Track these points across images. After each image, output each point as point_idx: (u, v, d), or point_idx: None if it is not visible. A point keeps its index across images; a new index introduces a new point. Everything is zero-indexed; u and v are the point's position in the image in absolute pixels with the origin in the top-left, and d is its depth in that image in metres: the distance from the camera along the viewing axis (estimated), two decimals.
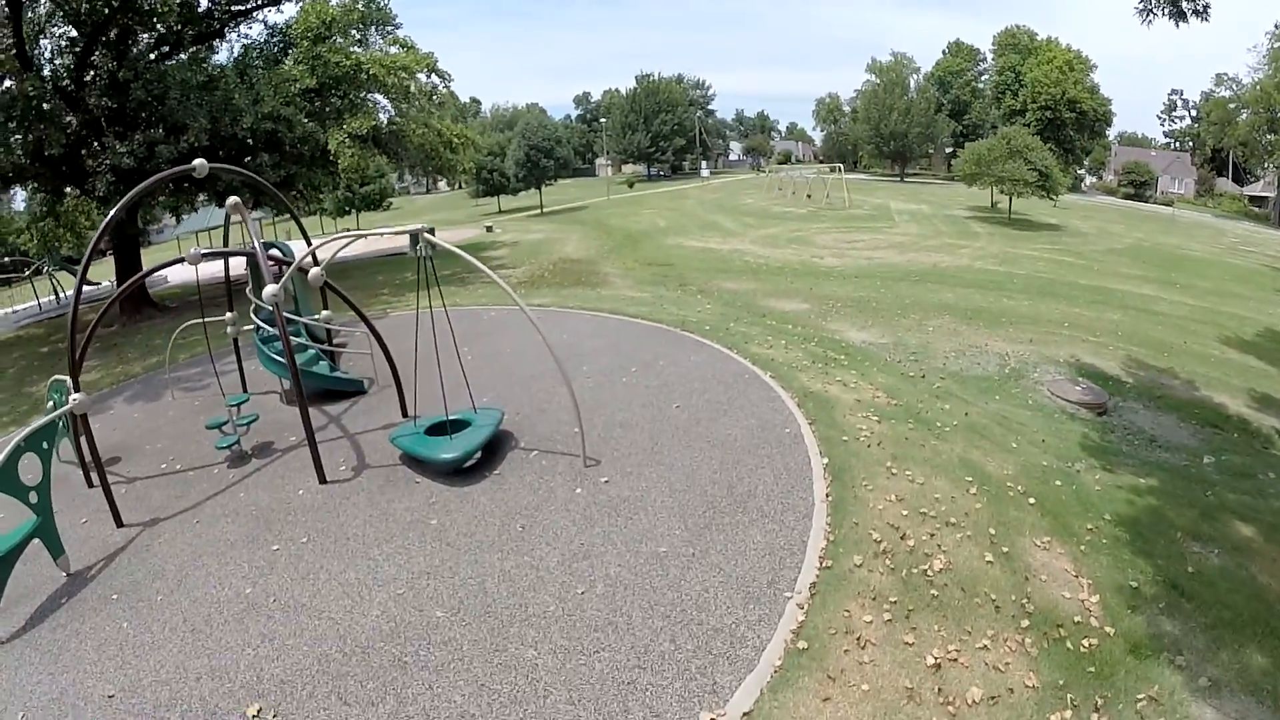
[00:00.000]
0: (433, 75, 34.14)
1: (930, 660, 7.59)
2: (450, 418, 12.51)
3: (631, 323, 19.74)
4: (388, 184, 79.34)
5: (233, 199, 13.45)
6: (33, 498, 10.44)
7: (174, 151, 25.82)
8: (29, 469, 10.49)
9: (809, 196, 66.59)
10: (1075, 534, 10.10)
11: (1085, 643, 7.96)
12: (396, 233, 11.73)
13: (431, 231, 11.15)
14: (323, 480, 12.18)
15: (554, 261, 34.01)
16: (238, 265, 17.78)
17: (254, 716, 7.49)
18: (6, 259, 46.97)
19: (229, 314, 16.89)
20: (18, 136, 25.32)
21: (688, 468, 11.36)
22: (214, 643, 8.64)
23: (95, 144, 26.77)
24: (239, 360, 17.99)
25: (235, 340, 17.53)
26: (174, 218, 33.08)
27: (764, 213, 55.87)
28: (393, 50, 33.54)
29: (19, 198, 39.52)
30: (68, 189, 30.32)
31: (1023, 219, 54.33)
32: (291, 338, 15.26)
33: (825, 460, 11.39)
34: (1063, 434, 14.75)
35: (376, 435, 13.95)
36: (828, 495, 10.46)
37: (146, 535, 11.57)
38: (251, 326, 16.22)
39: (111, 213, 12.50)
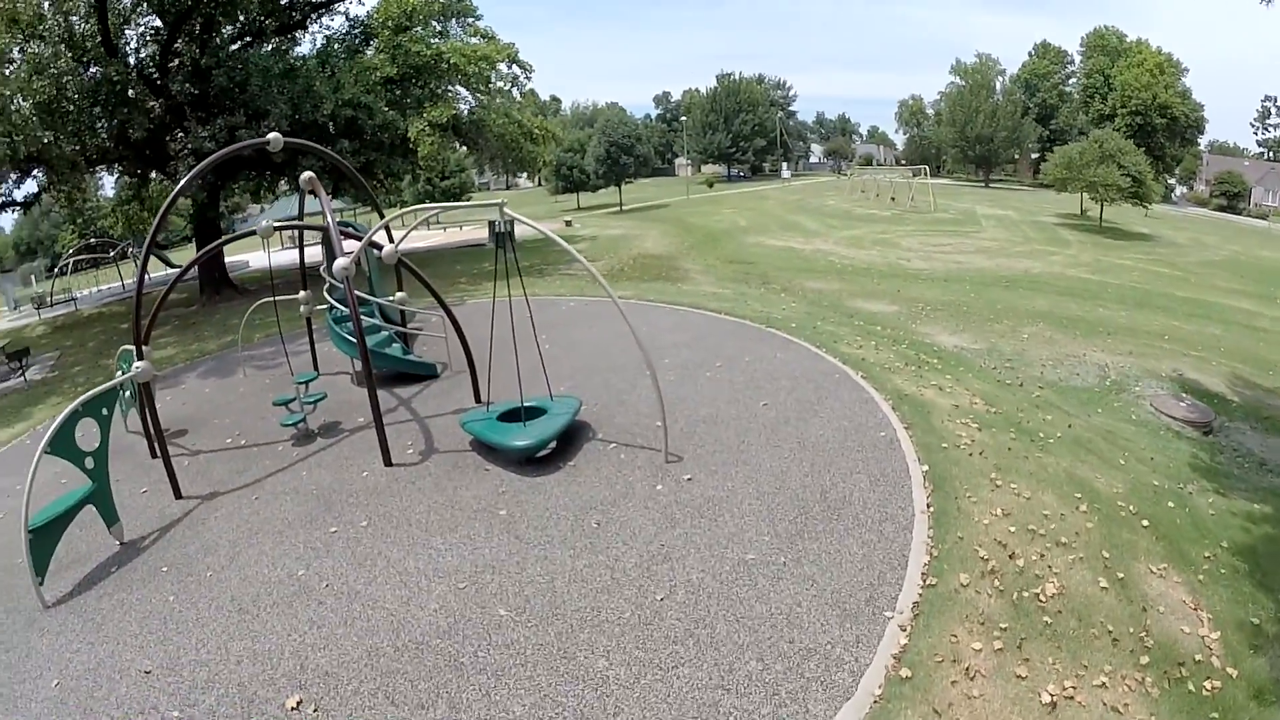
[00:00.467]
0: (514, 66, 33.77)
1: (1045, 698, 6.58)
2: (525, 404, 11.79)
3: (714, 318, 18.87)
4: (468, 178, 79.74)
5: (308, 174, 13.00)
6: (89, 463, 10.14)
7: (254, 136, 25.78)
8: (88, 435, 10.15)
9: (893, 199, 64.77)
10: (1192, 562, 8.99)
11: (1207, 685, 6.98)
12: (474, 206, 11.09)
13: (505, 226, 10.46)
14: (388, 463, 11.61)
15: (634, 256, 33.31)
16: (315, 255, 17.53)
17: (293, 709, 6.85)
18: (94, 240, 48.20)
19: (303, 293, 16.59)
20: (103, 121, 25.76)
21: (777, 469, 10.44)
22: (259, 625, 8.11)
23: (178, 129, 27.06)
24: (311, 340, 17.69)
25: (308, 320, 17.28)
26: (256, 204, 33.22)
27: (847, 214, 54.39)
28: (473, 41, 33.31)
29: (107, 184, 40.37)
30: (152, 173, 30.71)
31: (1114, 227, 51.79)
32: (365, 318, 14.82)
33: (925, 468, 10.37)
34: (1170, 452, 13.49)
35: (447, 420, 13.36)
36: (929, 506, 9.45)
37: (204, 509, 11.18)
38: (325, 306, 15.80)
39: (182, 181, 12.24)
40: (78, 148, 26.11)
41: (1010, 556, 8.49)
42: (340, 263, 10.76)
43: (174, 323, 28.05)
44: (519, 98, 34.60)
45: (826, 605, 7.63)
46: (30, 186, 31.29)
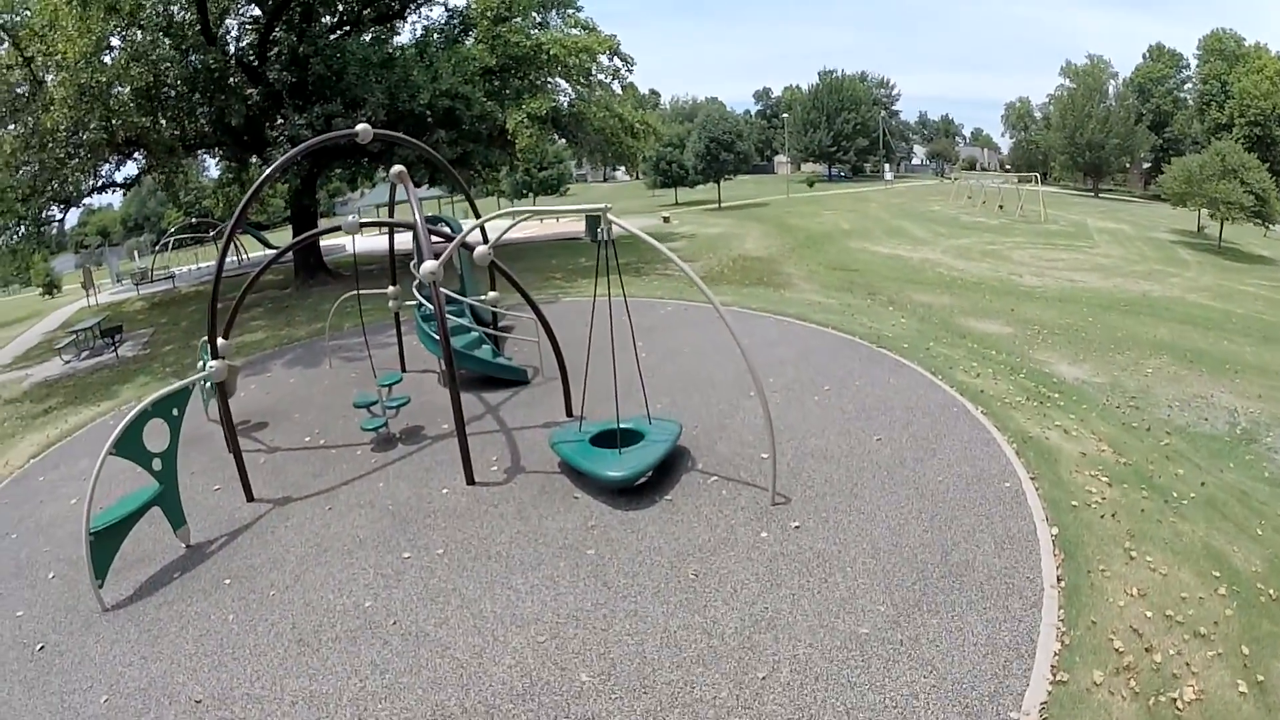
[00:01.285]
0: (615, 58, 32.90)
1: None
2: (620, 426, 10.76)
3: (820, 331, 17.68)
4: (565, 170, 79.53)
5: (397, 168, 12.36)
6: (156, 465, 9.63)
7: (351, 124, 25.58)
8: (158, 435, 9.63)
9: (1000, 208, 61.93)
10: None
11: None
12: (575, 210, 10.18)
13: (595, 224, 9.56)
14: (470, 481, 10.81)
15: (733, 258, 32.05)
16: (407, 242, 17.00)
17: None
18: (195, 220, 49.27)
19: (391, 288, 16.04)
20: (203, 107, 25.95)
21: (893, 520, 9.26)
22: (319, 661, 7.41)
23: (276, 116, 27.09)
24: (399, 335, 17.08)
25: (396, 315, 16.67)
26: (352, 190, 33.32)
27: (954, 222, 52.09)
28: (574, 32, 32.58)
29: (211, 165, 41.13)
30: (251, 158, 30.91)
31: (1233, 248, 48.13)
32: (454, 318, 14.15)
33: (1054, 530, 9.07)
34: None
35: (535, 434, 12.49)
36: (1059, 579, 8.17)
37: (275, 515, 10.61)
38: (414, 303, 15.19)
39: (266, 173, 11.75)
40: (177, 133, 26.32)
41: (1147, 650, 7.21)
42: (427, 266, 10.00)
43: (267, 304, 28.14)
44: (620, 91, 33.78)
45: (946, 698, 6.48)
46: (131, 169, 31.88)
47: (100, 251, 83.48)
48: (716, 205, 68.27)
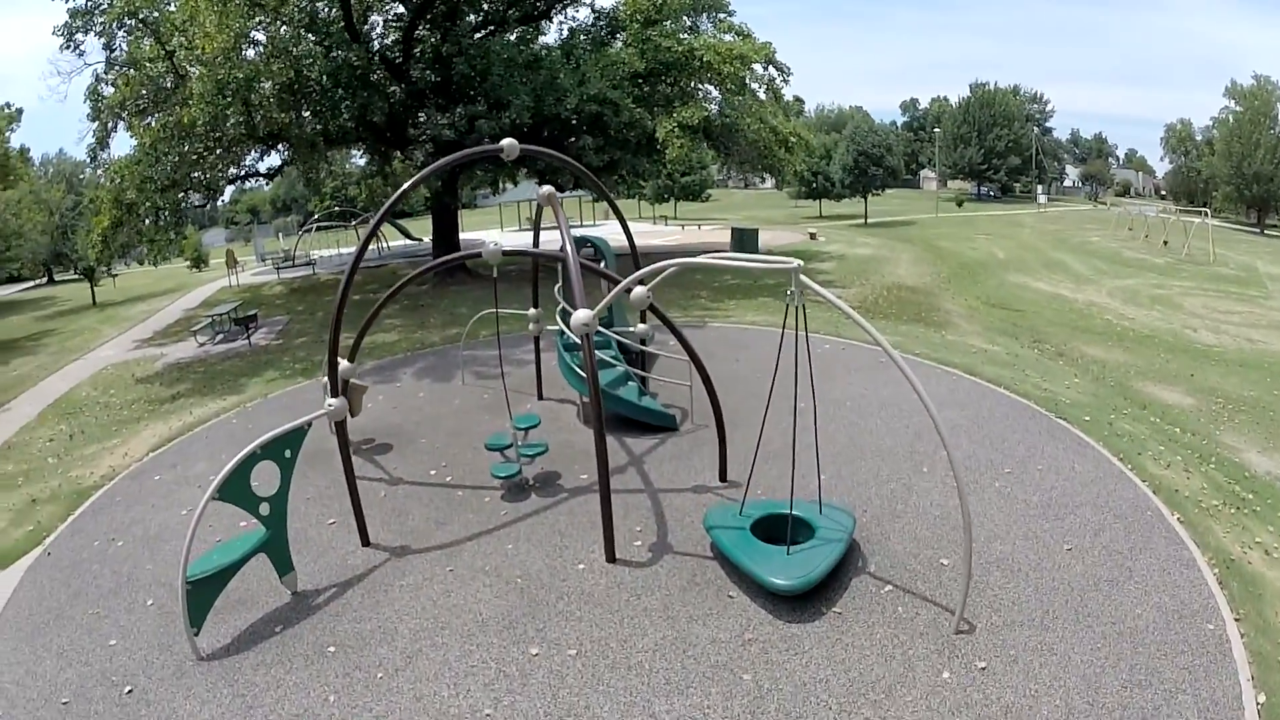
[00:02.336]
0: (770, 67, 31.16)
1: None
2: (790, 512, 9.12)
3: (992, 391, 15.68)
4: (708, 175, 78.30)
5: (546, 189, 11.10)
6: (264, 510, 8.74)
7: (494, 127, 25.01)
8: (267, 476, 8.79)
9: (1165, 244, 57.12)
10: None
11: None
12: (762, 266, 8.58)
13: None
14: (611, 558, 9.48)
15: (887, 286, 29.87)
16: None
17: None
18: (337, 209, 50.07)
19: (532, 310, 14.94)
20: (347, 102, 25.59)
21: (1089, 668, 7.39)
22: None
23: (418, 114, 26.64)
24: (538, 359, 15.89)
25: (536, 339, 15.51)
26: (494, 192, 32.81)
27: (1115, 257, 48.01)
28: (727, 38, 30.99)
29: (356, 154, 41.47)
30: (395, 153, 30.67)
31: None
32: (599, 352, 12.93)
33: (1261, 699, 7.13)
34: None
35: (685, 501, 11.04)
36: None
37: (390, 569, 9.63)
38: (556, 329, 14.03)
39: (405, 185, 10.79)
40: (319, 127, 26.12)
41: None
42: (579, 318, 8.69)
43: (403, 301, 27.57)
44: (774, 101, 32.04)
45: None
46: (274, 159, 32.17)
47: (249, 229, 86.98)
48: (863, 221, 65.72)
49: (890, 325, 21.59)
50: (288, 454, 8.88)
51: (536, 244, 14.81)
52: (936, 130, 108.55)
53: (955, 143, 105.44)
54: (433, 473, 12.31)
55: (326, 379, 12.42)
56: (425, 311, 25.75)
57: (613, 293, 9.37)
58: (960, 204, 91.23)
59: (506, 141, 10.42)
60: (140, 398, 19.48)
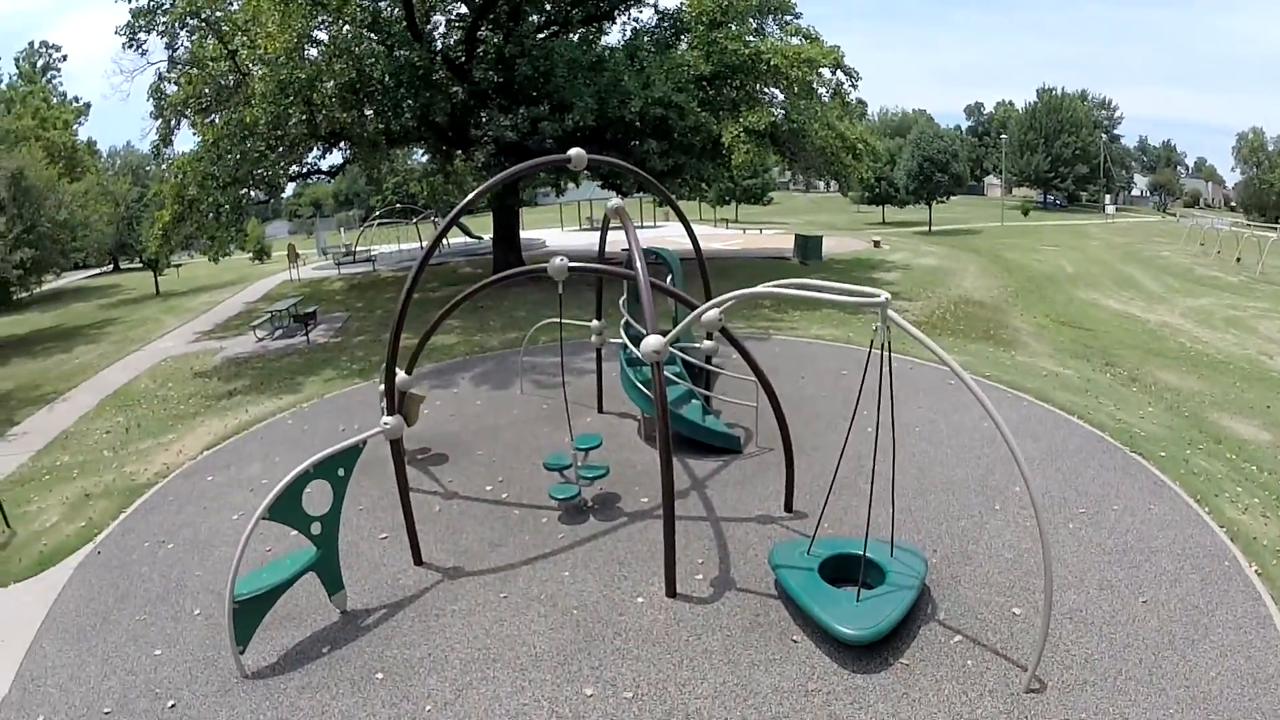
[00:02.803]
0: (838, 71, 30.27)
1: None
2: (862, 552, 8.51)
3: (1066, 421, 14.79)
4: (771, 178, 77.38)
5: (615, 202, 10.75)
6: (315, 529, 8.51)
7: (557, 129, 24.69)
8: (319, 495, 8.61)
9: (1238, 260, 54.70)
10: None
11: None
12: (846, 299, 7.93)
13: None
14: (671, 592, 9.01)
15: (953, 300, 28.91)
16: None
17: None
18: (399, 205, 50.25)
19: (595, 322, 14.53)
20: (409, 101, 25.50)
21: None
22: None
23: (480, 114, 26.40)
24: (599, 371, 15.30)
25: (599, 351, 14.98)
26: (557, 194, 32.38)
27: (1187, 273, 45.98)
28: (794, 41, 30.18)
29: (419, 153, 41.59)
30: (457, 153, 30.51)
31: None
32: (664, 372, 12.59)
33: None
34: None
35: (748, 531, 10.53)
36: None
37: (442, 591, 9.37)
38: (620, 341, 13.58)
39: (470, 195, 10.48)
40: (381, 126, 26.05)
41: None
42: (651, 344, 8.20)
43: (463, 304, 27.42)
44: (840, 106, 31.19)
45: None
46: (336, 157, 32.32)
47: (311, 222, 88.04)
48: (926, 229, 64.29)
49: (958, 343, 20.86)
50: (341, 472, 8.63)
51: (603, 254, 14.29)
52: (1003, 136, 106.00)
53: (1022, 149, 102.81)
54: (489, 488, 12.00)
55: (383, 389, 12.24)
56: (485, 314, 25.55)
57: (686, 320, 8.93)
58: (1026, 212, 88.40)
59: (574, 152, 10.04)
60: (197, 392, 19.53)
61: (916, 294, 28.53)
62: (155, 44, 26.08)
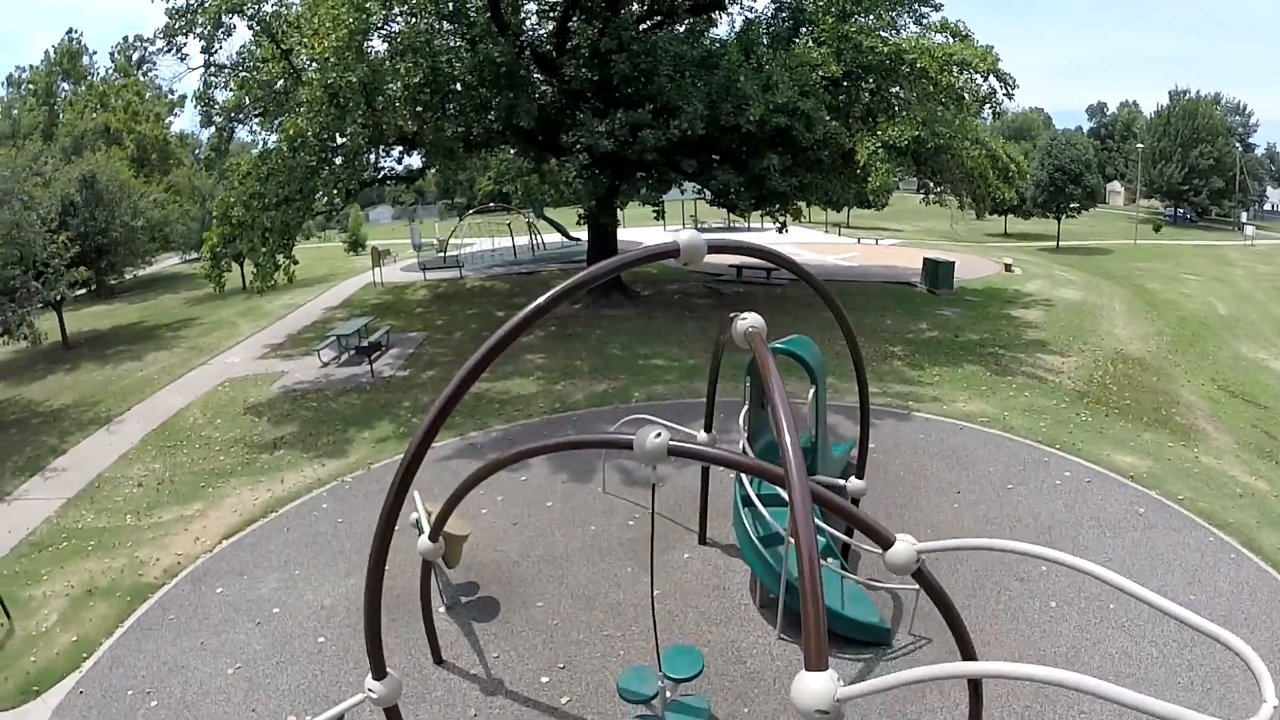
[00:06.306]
0: (990, 77, 25.36)
1: None
2: None
3: None
4: (893, 184, 71.80)
5: (748, 326, 6.45)
6: None
7: (660, 138, 21.19)
8: None
9: None
10: None
11: None
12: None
13: None
14: None
15: (1109, 356, 23.22)
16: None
17: None
18: (493, 205, 47.87)
19: (703, 434, 10.89)
20: (497, 99, 22.57)
21: None
22: None
23: (573, 117, 22.93)
24: (704, 492, 11.48)
25: (705, 468, 11.27)
26: (657, 218, 28.62)
27: None
28: (938, 38, 25.50)
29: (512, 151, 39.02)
30: (550, 159, 27.45)
31: None
32: (772, 515, 9.15)
33: None
34: None
35: None
36: None
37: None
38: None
39: (559, 291, 5.87)
40: (460, 130, 23.23)
41: None
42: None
43: (551, 327, 24.44)
44: (992, 119, 26.49)
45: None
46: (415, 160, 29.57)
47: (414, 209, 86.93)
48: (1054, 245, 58.49)
49: (1130, 430, 16.45)
50: None
51: (715, 369, 10.61)
52: (1138, 145, 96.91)
53: (1154, 158, 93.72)
54: (544, 680, 8.75)
55: (417, 509, 9.31)
56: (573, 343, 22.55)
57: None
58: (1158, 229, 79.64)
59: (685, 241, 6.10)
60: (241, 438, 17.55)
61: (1067, 344, 23.73)
62: (194, 47, 23.67)
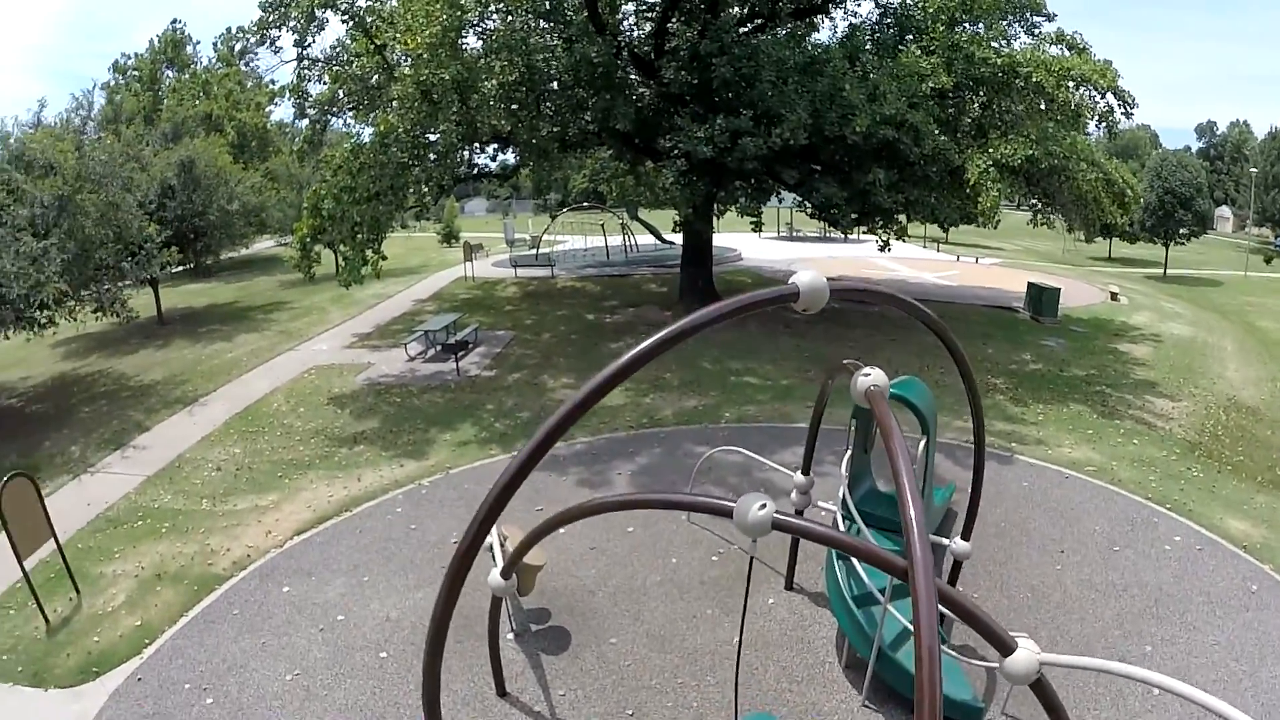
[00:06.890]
0: (1109, 94, 23.84)
1: None
2: None
3: None
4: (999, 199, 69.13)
5: (870, 384, 5.59)
6: None
7: (761, 145, 20.28)
8: None
9: None
10: None
11: None
12: None
13: None
14: None
15: (1221, 404, 21.36)
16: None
17: None
18: (586, 204, 47.70)
19: (800, 477, 9.87)
20: (594, 99, 22.10)
21: None
22: None
23: (672, 120, 22.17)
24: (792, 559, 10.65)
25: (800, 514, 9.80)
26: (755, 229, 27.60)
27: None
28: (1052, 51, 24.00)
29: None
30: (646, 162, 26.86)
31: None
32: (867, 573, 8.32)
33: None
34: None
35: None
36: None
37: None
38: (835, 511, 9.49)
39: (652, 343, 5.41)
40: (555, 129, 22.87)
41: None
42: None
43: (640, 330, 23.81)
44: (1108, 139, 24.88)
45: None
46: (509, 157, 29.28)
47: (509, 203, 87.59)
48: (1161, 273, 55.31)
49: (1242, 490, 14.79)
50: None
51: (819, 415, 9.53)
52: (1253, 170, 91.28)
53: (1268, 183, 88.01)
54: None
55: (492, 536, 8.84)
56: (663, 354, 21.66)
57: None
58: (1269, 260, 74.44)
59: (805, 285, 5.33)
60: (323, 429, 17.42)
61: (1177, 387, 21.96)
62: (287, 40, 23.83)
